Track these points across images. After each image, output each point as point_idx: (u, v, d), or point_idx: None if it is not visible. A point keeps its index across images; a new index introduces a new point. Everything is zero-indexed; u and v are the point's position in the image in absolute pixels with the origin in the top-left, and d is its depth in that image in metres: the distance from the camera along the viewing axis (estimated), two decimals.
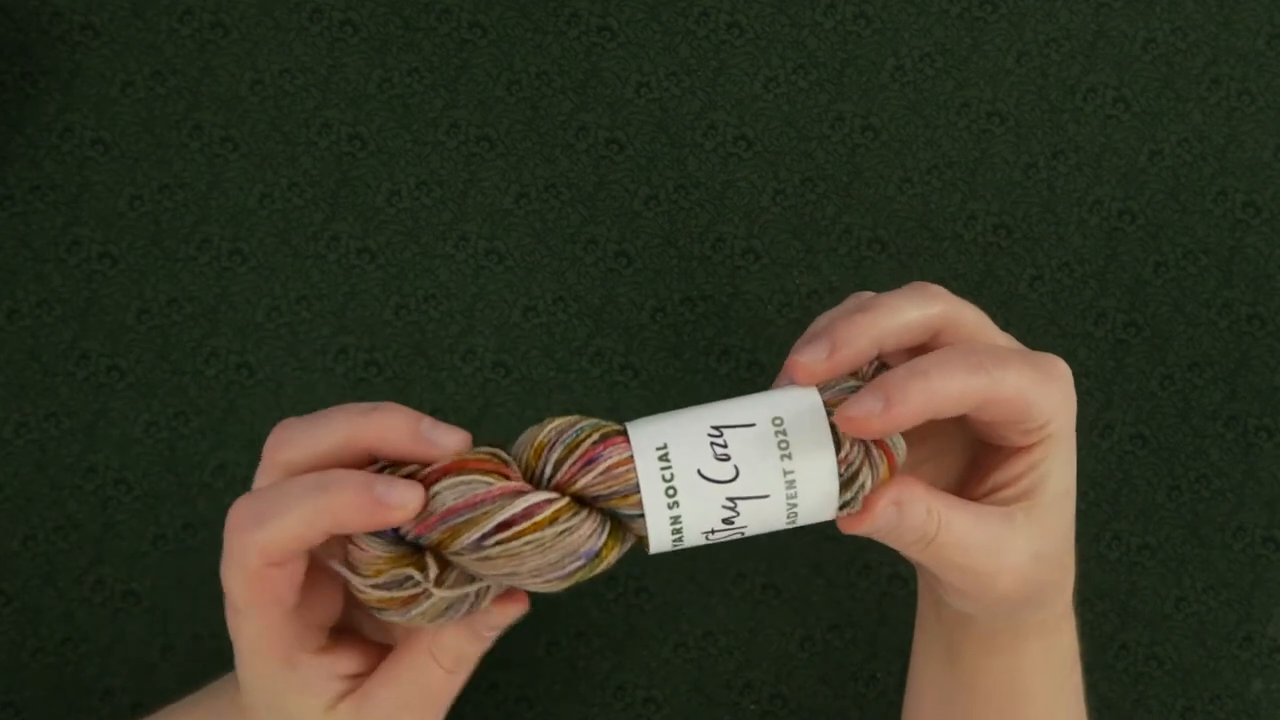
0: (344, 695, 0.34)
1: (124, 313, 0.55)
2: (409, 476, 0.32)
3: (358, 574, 0.33)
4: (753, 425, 0.32)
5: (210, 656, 0.53)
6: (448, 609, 0.33)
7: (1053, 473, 0.36)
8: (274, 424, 0.54)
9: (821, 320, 0.37)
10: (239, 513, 0.32)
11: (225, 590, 0.33)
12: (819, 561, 0.56)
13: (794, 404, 0.33)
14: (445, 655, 0.34)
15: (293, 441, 0.33)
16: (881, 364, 0.37)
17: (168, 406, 0.55)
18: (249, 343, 0.55)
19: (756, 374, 0.57)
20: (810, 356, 0.34)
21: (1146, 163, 0.58)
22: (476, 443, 0.34)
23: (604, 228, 0.57)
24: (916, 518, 0.34)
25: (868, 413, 0.32)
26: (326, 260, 0.56)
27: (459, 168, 0.57)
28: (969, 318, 0.36)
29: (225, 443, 0.55)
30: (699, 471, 0.32)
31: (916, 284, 0.36)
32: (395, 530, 0.32)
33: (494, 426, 0.56)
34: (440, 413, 0.56)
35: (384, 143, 0.57)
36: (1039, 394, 0.34)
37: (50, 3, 0.57)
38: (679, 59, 0.58)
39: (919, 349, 0.37)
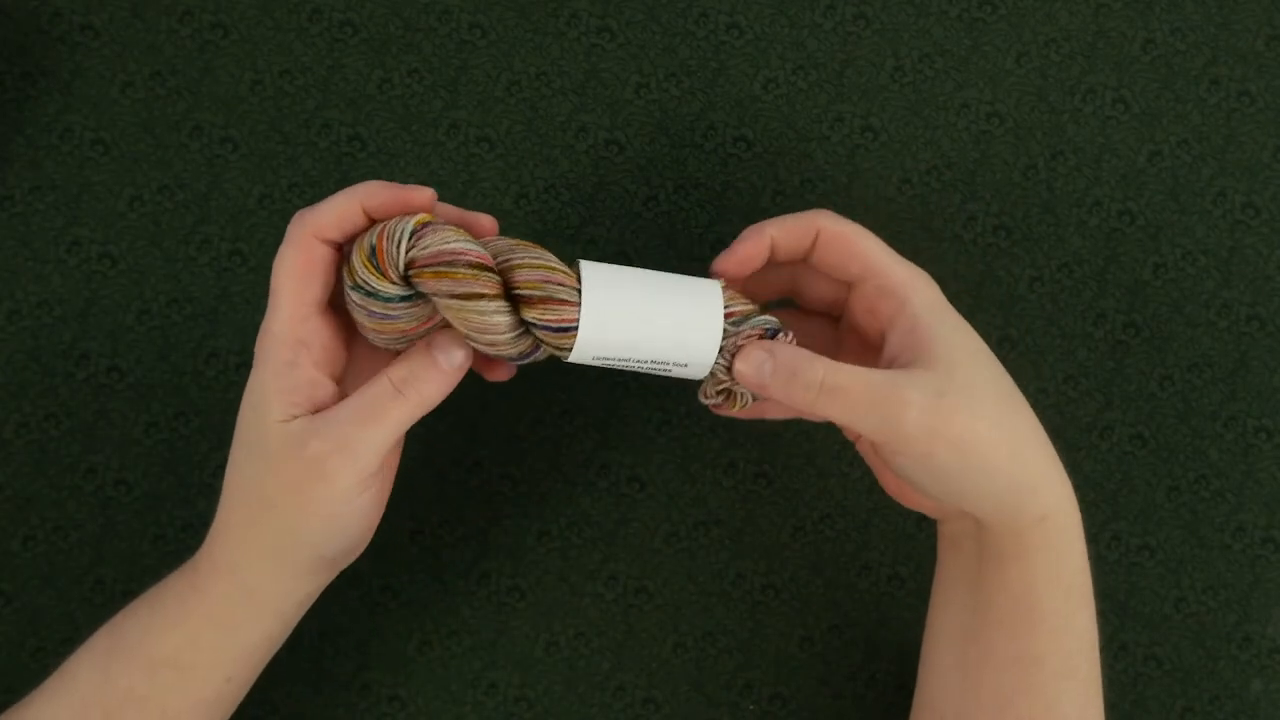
0: (309, 412, 0.41)
1: (124, 313, 0.55)
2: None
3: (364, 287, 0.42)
4: (686, 365, 0.43)
5: None
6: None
7: (937, 335, 0.42)
8: None
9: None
10: (299, 212, 0.42)
11: (272, 282, 0.41)
12: (819, 562, 0.56)
13: (700, 352, 0.43)
14: (396, 372, 0.42)
15: (316, 212, 0.41)
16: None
17: (168, 406, 0.55)
18: (249, 343, 0.55)
19: None
20: (723, 261, 0.46)
21: (1146, 164, 0.59)
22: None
23: (603, 228, 0.57)
24: (795, 360, 0.42)
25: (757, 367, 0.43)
26: None
27: (459, 168, 0.57)
28: (852, 228, 0.45)
29: (225, 442, 0.55)
30: (619, 359, 0.43)
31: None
32: (409, 284, 0.41)
33: (495, 426, 0.56)
34: (441, 411, 0.56)
35: (384, 143, 0.57)
36: (874, 245, 0.44)
37: (50, 3, 0.57)
38: (678, 60, 0.58)
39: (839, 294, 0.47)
